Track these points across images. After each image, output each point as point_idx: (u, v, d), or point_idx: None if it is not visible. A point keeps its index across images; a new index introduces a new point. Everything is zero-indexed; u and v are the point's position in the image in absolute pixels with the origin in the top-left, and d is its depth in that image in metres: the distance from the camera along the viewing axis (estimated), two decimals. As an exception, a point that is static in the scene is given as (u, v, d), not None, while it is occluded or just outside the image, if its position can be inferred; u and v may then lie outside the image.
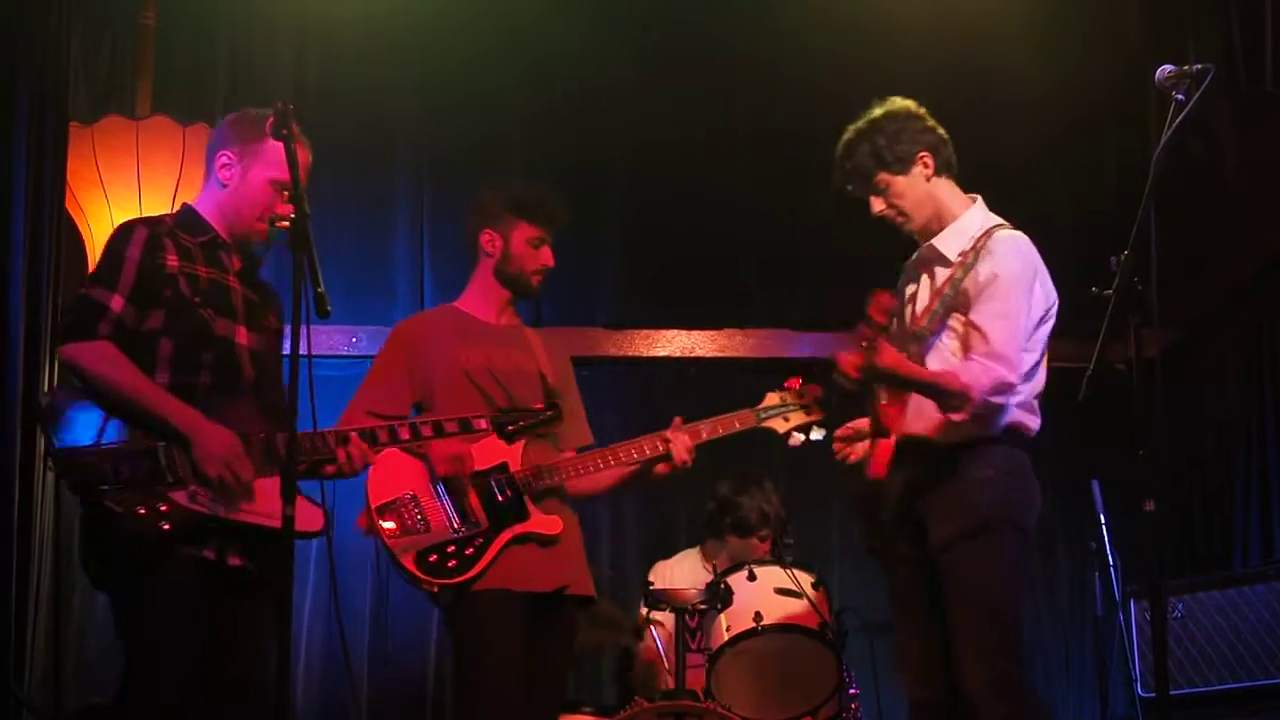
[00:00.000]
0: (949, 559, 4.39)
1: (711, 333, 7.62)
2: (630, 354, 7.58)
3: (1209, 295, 7.24)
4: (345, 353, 7.26)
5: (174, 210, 4.42)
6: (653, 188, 7.60)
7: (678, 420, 4.95)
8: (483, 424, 4.39)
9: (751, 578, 5.63)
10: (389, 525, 4.68)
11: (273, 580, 4.13)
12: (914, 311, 4.65)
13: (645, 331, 7.61)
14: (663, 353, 7.61)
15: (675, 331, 7.62)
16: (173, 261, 4.13)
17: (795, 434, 4.99)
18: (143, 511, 3.85)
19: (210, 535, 3.97)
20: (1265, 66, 6.19)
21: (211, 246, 4.25)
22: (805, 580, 5.63)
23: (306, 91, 7.23)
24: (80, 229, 6.30)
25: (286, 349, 3.87)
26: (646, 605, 5.72)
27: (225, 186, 4.28)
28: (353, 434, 4.20)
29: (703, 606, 5.58)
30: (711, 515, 6.44)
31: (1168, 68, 4.12)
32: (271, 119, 3.99)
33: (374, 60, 7.36)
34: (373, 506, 4.71)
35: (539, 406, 4.56)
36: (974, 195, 4.74)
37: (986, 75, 7.30)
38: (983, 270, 4.49)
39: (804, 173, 7.58)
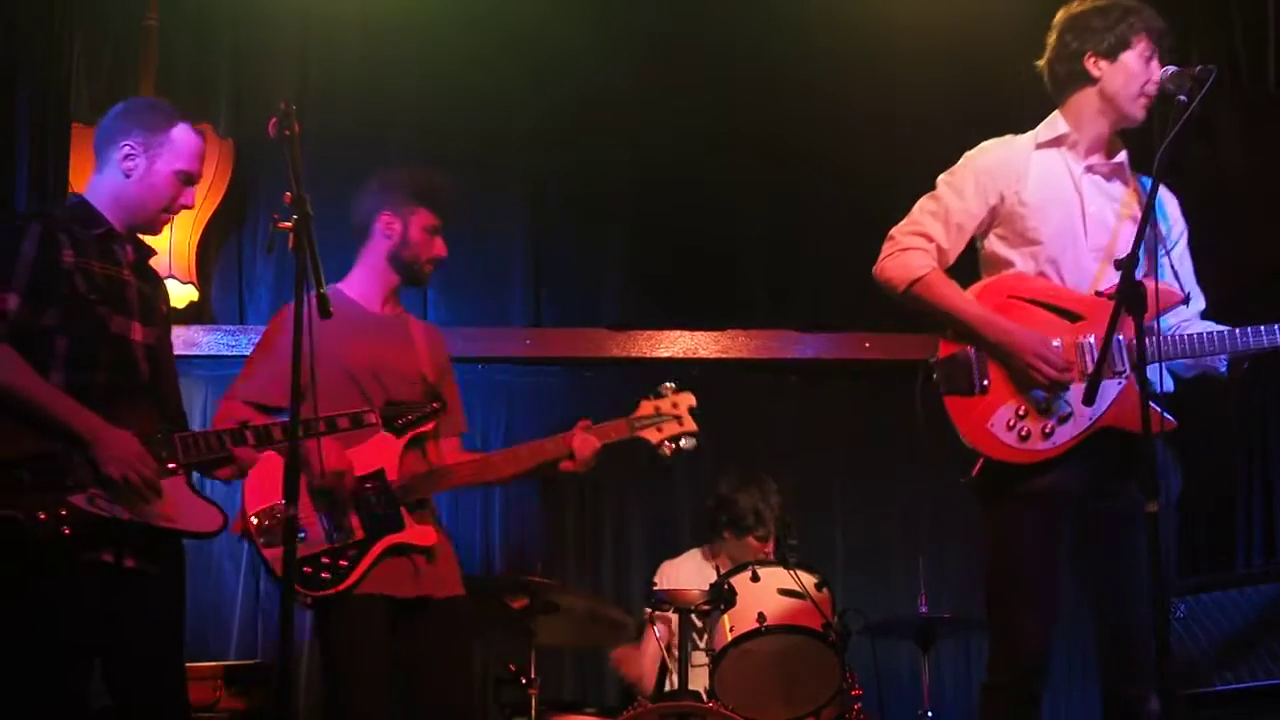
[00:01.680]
0: None
1: (714, 334, 7.61)
2: (633, 355, 7.58)
3: (1211, 296, 7.23)
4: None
5: (65, 201, 4.35)
6: (655, 189, 7.60)
7: (584, 422, 4.90)
8: (373, 418, 4.38)
9: (755, 578, 5.62)
10: (265, 535, 4.57)
11: (172, 579, 4.15)
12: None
13: (648, 332, 7.61)
14: (665, 354, 7.60)
15: (678, 332, 7.62)
16: (68, 257, 4.07)
17: (668, 444, 4.90)
18: (43, 516, 3.83)
19: (109, 538, 3.95)
20: (1268, 67, 6.19)
21: (106, 240, 4.20)
22: (809, 581, 5.63)
23: (308, 92, 7.24)
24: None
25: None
26: (650, 606, 5.72)
27: (129, 177, 4.23)
28: (248, 432, 4.17)
29: (706, 607, 5.58)
30: (710, 512, 6.46)
31: (1170, 69, 4.13)
32: (168, 109, 4.09)
33: (376, 62, 7.36)
34: (249, 512, 4.60)
35: (423, 400, 4.62)
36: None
37: (988, 76, 7.29)
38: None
39: (807, 174, 7.62)
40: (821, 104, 7.50)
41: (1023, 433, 4.21)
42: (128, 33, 7.00)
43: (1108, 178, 4.51)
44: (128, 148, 4.24)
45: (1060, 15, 4.53)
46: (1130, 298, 3.87)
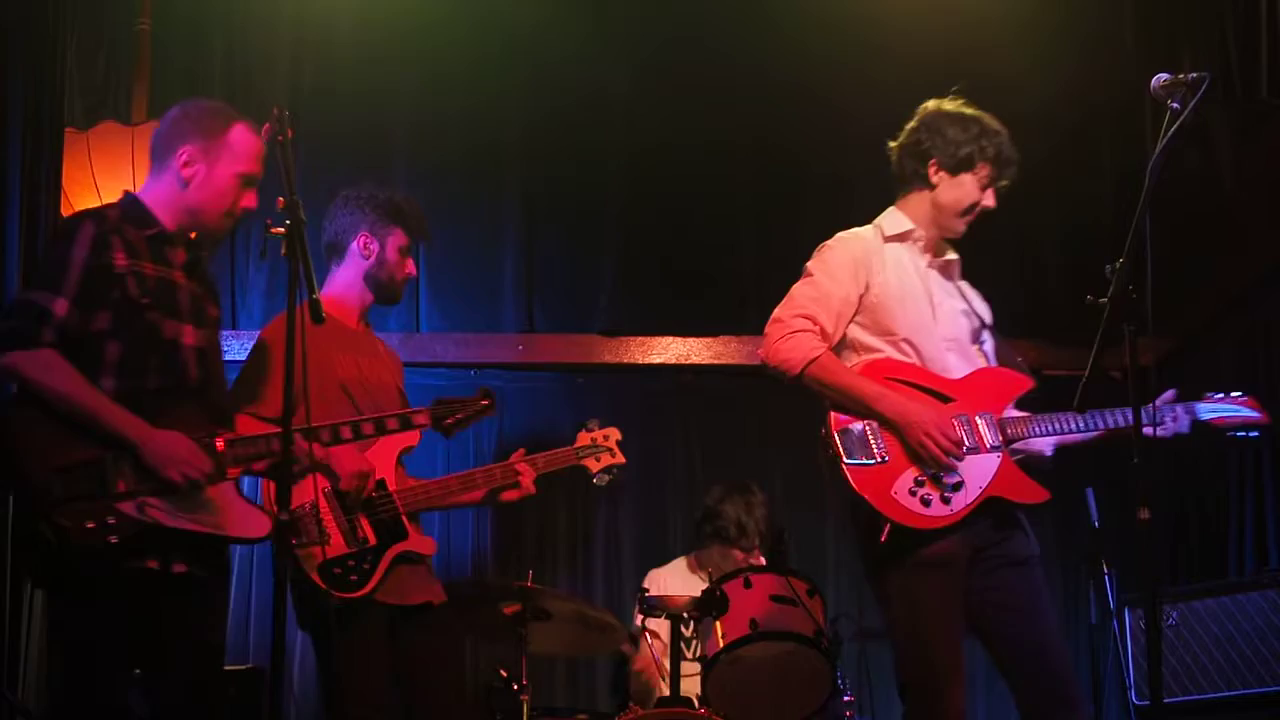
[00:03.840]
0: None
1: (707, 340, 7.62)
2: (626, 361, 7.59)
3: (1204, 303, 7.26)
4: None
5: (118, 200, 4.29)
6: (648, 196, 7.60)
7: (521, 452, 5.15)
8: (423, 419, 4.41)
9: (747, 585, 5.62)
10: (294, 533, 4.58)
11: (218, 582, 4.16)
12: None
13: (641, 339, 7.62)
14: (658, 360, 7.61)
15: (670, 339, 7.63)
16: (121, 260, 4.05)
17: (603, 474, 5.31)
18: (91, 525, 3.80)
19: (155, 545, 3.92)
20: (1260, 75, 6.19)
21: (158, 241, 4.17)
22: (801, 588, 5.63)
23: (302, 96, 7.22)
24: (76, 234, 6.29)
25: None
26: (642, 612, 5.72)
27: (188, 184, 4.21)
28: (323, 432, 4.19)
29: (698, 613, 5.58)
30: (697, 522, 6.50)
31: (1163, 76, 4.13)
32: (226, 111, 4.05)
33: (370, 66, 7.35)
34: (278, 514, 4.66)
35: (475, 397, 4.66)
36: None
37: (982, 83, 7.25)
38: None
39: (800, 180, 7.62)
40: (815, 111, 7.50)
41: (924, 498, 4.37)
42: (121, 37, 6.98)
43: (944, 274, 4.78)
44: (186, 154, 4.21)
45: (927, 106, 4.86)
46: (1121, 305, 3.89)
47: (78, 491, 3.82)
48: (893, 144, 4.86)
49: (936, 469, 4.38)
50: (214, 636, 4.18)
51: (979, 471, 4.43)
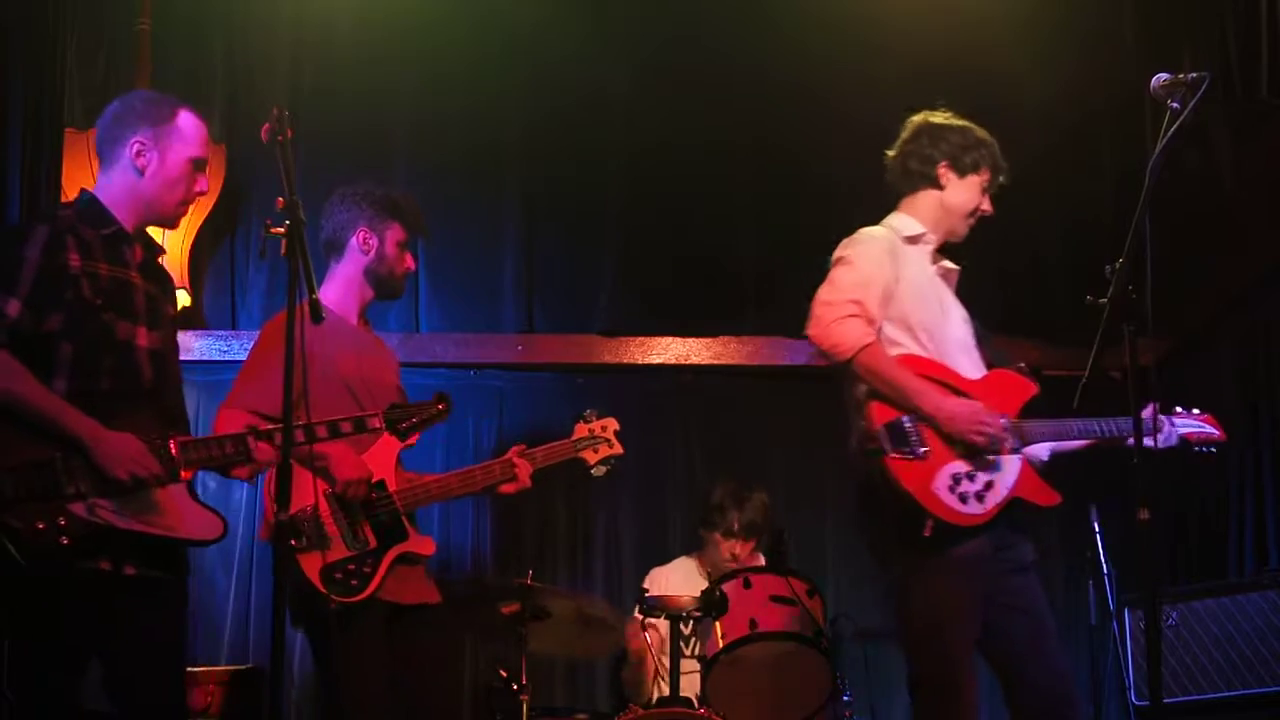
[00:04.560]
0: None
1: (707, 340, 7.61)
2: (626, 361, 7.58)
3: (1204, 304, 7.25)
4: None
5: (74, 199, 4.28)
6: (649, 195, 7.60)
7: (520, 446, 5.19)
8: (376, 423, 4.40)
9: (747, 585, 5.62)
10: (293, 539, 4.61)
11: (172, 583, 4.12)
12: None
13: (641, 339, 7.60)
14: (657, 360, 7.60)
15: (671, 339, 7.62)
16: (75, 261, 4.04)
17: (601, 465, 5.36)
18: (41, 526, 3.79)
19: (106, 547, 3.92)
20: (1260, 75, 6.19)
21: (114, 240, 4.16)
22: (800, 588, 5.63)
23: (302, 96, 7.23)
24: (75, 234, 6.29)
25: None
26: (642, 612, 5.72)
27: (143, 173, 4.20)
28: (249, 437, 4.13)
29: (698, 613, 5.57)
30: (699, 512, 6.54)
31: (1163, 76, 4.13)
32: (169, 98, 4.10)
33: (369, 66, 7.35)
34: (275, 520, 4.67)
35: (430, 402, 4.56)
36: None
37: (982, 83, 7.28)
38: None
39: (800, 180, 7.61)
40: (814, 111, 7.50)
41: (962, 495, 4.43)
42: (121, 37, 6.99)
43: (945, 280, 4.85)
44: (138, 144, 4.21)
45: (919, 119, 4.92)
46: (1121, 305, 3.90)
47: (28, 492, 3.81)
48: (890, 153, 4.94)
49: (987, 453, 4.46)
50: (169, 636, 4.14)
51: (1006, 472, 4.50)
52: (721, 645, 5.52)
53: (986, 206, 4.84)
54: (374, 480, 4.81)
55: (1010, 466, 4.52)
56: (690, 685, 5.61)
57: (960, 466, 4.44)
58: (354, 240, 5.09)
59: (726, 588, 5.58)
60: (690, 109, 7.54)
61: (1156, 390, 4.55)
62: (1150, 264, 3.99)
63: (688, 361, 7.62)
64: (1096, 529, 6.25)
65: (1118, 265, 3.96)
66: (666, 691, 5.53)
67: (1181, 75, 4.08)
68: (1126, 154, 7.20)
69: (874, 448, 4.43)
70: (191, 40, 7.25)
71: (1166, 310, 3.99)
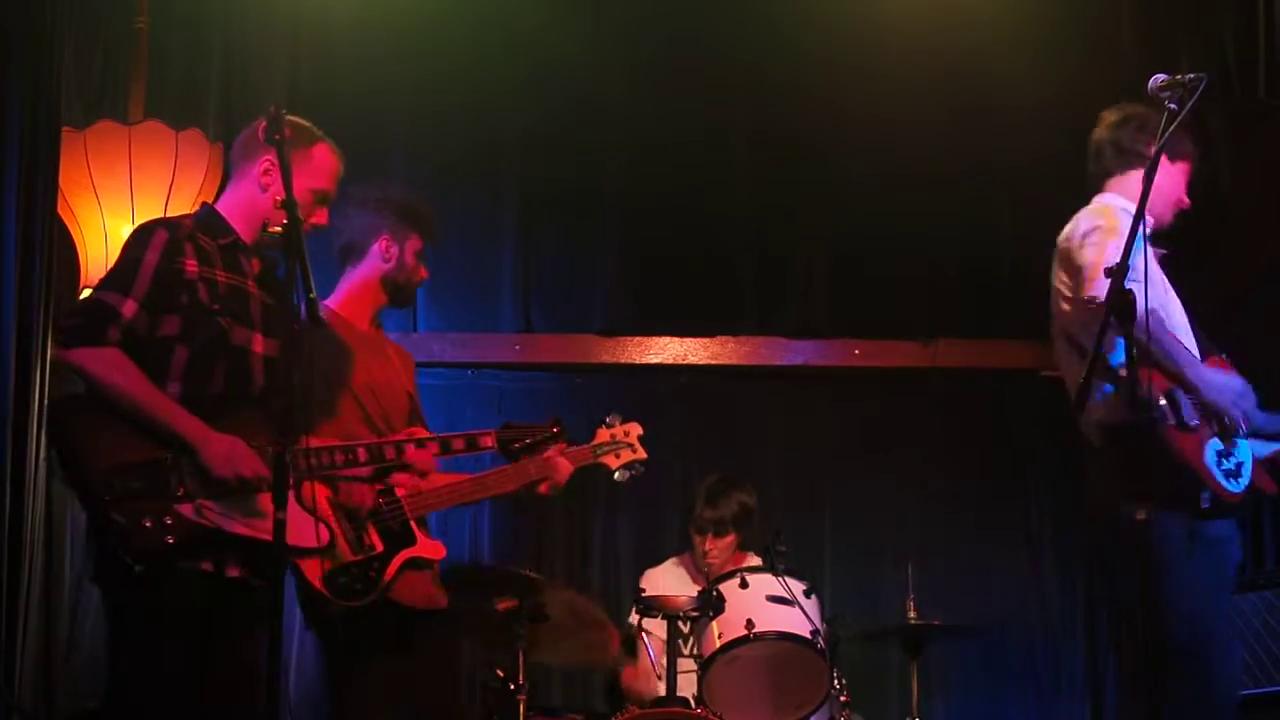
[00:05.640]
0: None
1: (704, 340, 7.61)
2: (623, 361, 7.58)
3: (1204, 303, 7.24)
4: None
5: (194, 210, 4.38)
6: (646, 195, 7.60)
7: (560, 446, 5.09)
8: (489, 441, 4.40)
9: (744, 585, 5.62)
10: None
11: (269, 595, 4.12)
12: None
13: (638, 339, 7.61)
14: (655, 360, 7.61)
15: (668, 339, 7.62)
16: (191, 266, 4.09)
17: (624, 470, 5.26)
18: (148, 524, 3.83)
19: (210, 548, 3.95)
20: (1258, 75, 6.20)
21: (232, 249, 4.22)
22: (797, 588, 5.63)
23: (300, 96, 7.21)
24: (72, 234, 6.29)
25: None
26: (638, 612, 5.72)
27: (266, 190, 4.25)
28: (360, 449, 4.23)
29: (695, 614, 5.57)
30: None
31: (1161, 76, 4.14)
32: (312, 133, 3.99)
33: (367, 66, 7.35)
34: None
35: (544, 425, 4.68)
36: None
37: (980, 84, 7.31)
38: None
39: (798, 180, 7.62)
40: (812, 110, 7.50)
41: (1227, 472, 4.47)
42: (118, 36, 6.98)
43: (1160, 264, 4.80)
44: (267, 163, 4.25)
45: (1131, 107, 4.90)
46: (1119, 306, 3.89)
47: (137, 490, 3.86)
48: (1098, 134, 4.96)
49: (1236, 433, 4.52)
50: (250, 658, 4.06)
51: (1243, 456, 4.56)
52: (718, 645, 5.52)
53: (1186, 201, 4.86)
54: (382, 487, 4.79)
55: (1243, 451, 4.55)
56: (687, 685, 5.61)
57: (1218, 443, 4.45)
58: (377, 247, 5.07)
59: (723, 588, 5.58)
60: (688, 109, 7.54)
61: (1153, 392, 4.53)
62: (1147, 264, 4.00)
63: (685, 361, 7.62)
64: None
65: (1116, 265, 3.95)
66: (663, 692, 5.53)
67: (1179, 76, 4.09)
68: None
69: (1150, 416, 4.35)
70: (189, 39, 7.24)
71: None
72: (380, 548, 4.73)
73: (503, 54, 7.41)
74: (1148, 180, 4.07)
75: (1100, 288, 4.37)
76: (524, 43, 7.37)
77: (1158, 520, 4.32)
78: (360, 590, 4.65)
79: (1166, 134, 4.02)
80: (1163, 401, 4.39)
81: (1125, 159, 4.83)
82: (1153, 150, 4.39)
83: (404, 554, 4.76)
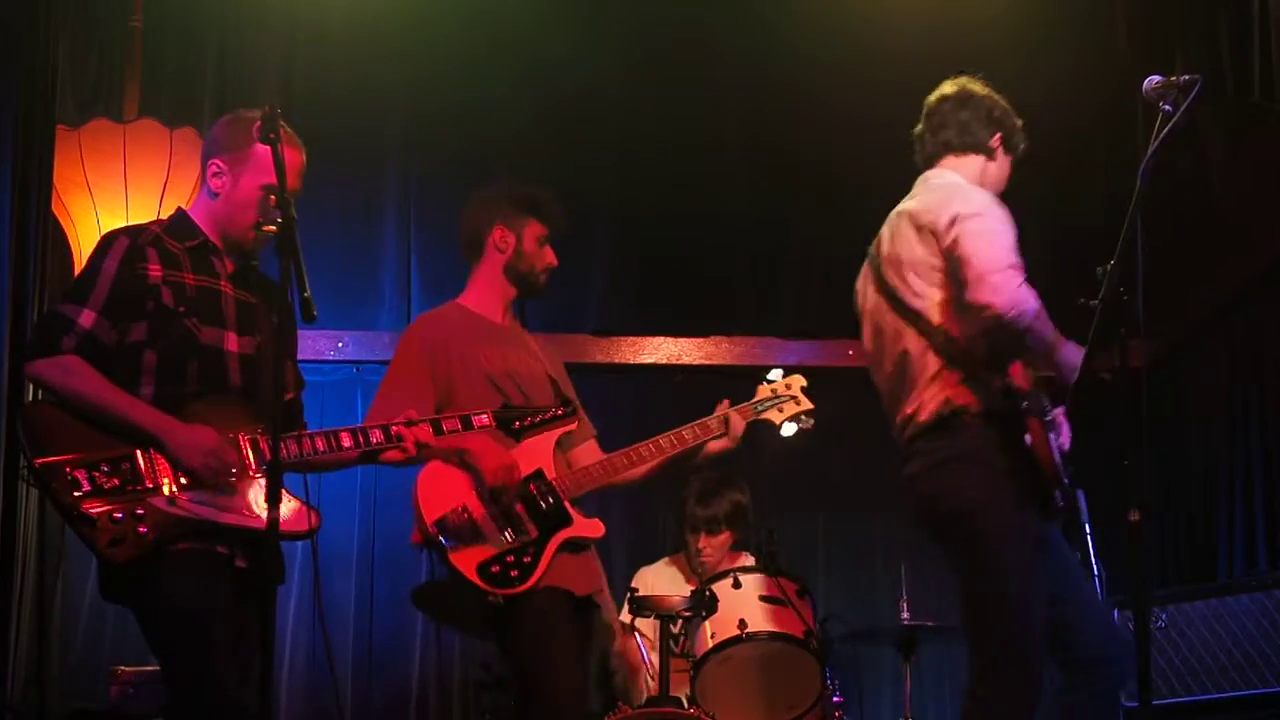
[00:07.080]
0: None
1: (698, 340, 7.62)
2: (617, 360, 7.59)
3: (1195, 306, 7.26)
4: (331, 357, 7.27)
5: (167, 215, 4.36)
6: (641, 195, 7.60)
7: (726, 402, 5.14)
8: (485, 419, 4.38)
9: (736, 585, 5.62)
10: (448, 539, 4.68)
11: (268, 597, 4.12)
12: None
13: (632, 339, 7.61)
14: (649, 360, 7.61)
15: (662, 339, 7.62)
16: (155, 271, 4.09)
17: (789, 424, 5.18)
18: (119, 516, 3.84)
19: (203, 537, 3.95)
20: (1253, 78, 6.20)
21: (202, 251, 4.21)
22: (790, 588, 5.63)
23: (294, 95, 7.23)
24: (66, 232, 6.29)
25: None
26: (631, 611, 5.72)
27: (217, 195, 4.24)
28: (320, 438, 4.13)
29: (687, 613, 5.57)
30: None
31: (1155, 79, 4.13)
32: (258, 123, 3.95)
33: (362, 64, 7.35)
34: (429, 521, 4.69)
35: (548, 404, 4.63)
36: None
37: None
38: None
39: (793, 180, 7.62)
40: (806, 111, 7.51)
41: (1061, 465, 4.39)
42: (113, 34, 6.99)
43: None
44: (215, 165, 4.25)
45: (973, 83, 4.82)
46: (1113, 307, 3.90)
47: (107, 484, 3.87)
48: (934, 102, 4.84)
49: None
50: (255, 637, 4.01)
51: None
52: (711, 645, 5.52)
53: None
54: (531, 471, 4.78)
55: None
56: (680, 685, 5.61)
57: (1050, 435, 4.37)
58: (491, 239, 5.08)
59: (716, 587, 5.59)
60: (683, 109, 7.55)
61: (1147, 391, 4.54)
62: (1142, 266, 4.00)
63: (679, 361, 7.62)
64: (1087, 530, 6.24)
65: (1109, 267, 3.96)
66: (656, 691, 5.53)
67: (1174, 78, 4.08)
68: (1118, 156, 7.22)
69: (1020, 408, 4.30)
70: (183, 38, 7.25)
71: (1159, 312, 4.00)
72: (535, 532, 4.74)
73: (497, 54, 7.41)
74: (1142, 183, 4.06)
75: (995, 296, 4.24)
76: (518, 43, 7.37)
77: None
78: (517, 577, 4.65)
79: (1159, 140, 4.02)
80: (1031, 392, 4.34)
81: (967, 140, 4.72)
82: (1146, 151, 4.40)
83: (560, 536, 4.77)
